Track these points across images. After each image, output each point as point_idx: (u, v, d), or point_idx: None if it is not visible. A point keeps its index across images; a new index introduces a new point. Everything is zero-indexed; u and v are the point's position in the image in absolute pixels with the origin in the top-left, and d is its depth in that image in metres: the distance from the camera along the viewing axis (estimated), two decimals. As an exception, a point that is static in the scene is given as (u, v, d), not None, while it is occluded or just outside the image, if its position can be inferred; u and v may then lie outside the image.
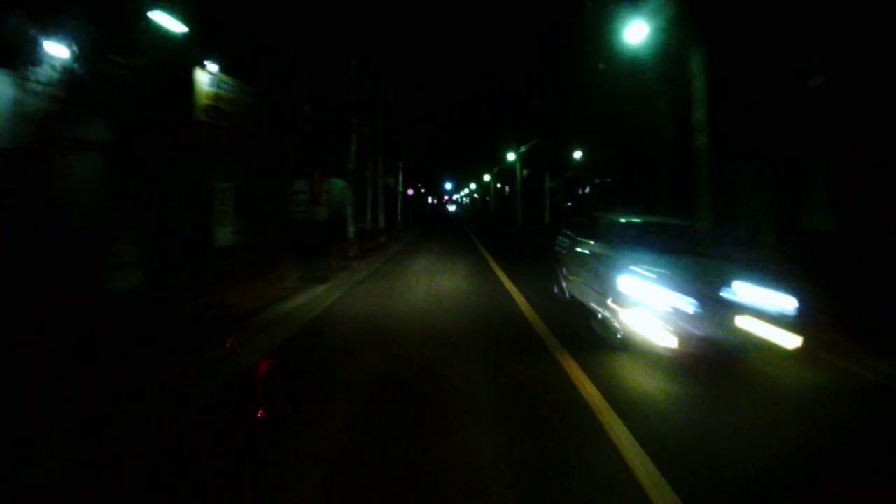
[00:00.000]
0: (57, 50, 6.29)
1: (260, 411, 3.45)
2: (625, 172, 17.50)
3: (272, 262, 9.88)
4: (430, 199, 79.20)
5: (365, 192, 17.67)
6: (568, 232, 7.94)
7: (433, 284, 9.27)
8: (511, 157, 28.98)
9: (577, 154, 22.19)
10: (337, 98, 14.52)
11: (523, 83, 26.91)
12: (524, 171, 42.99)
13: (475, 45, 49.66)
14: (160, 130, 8.60)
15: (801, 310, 4.50)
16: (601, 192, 21.69)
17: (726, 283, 4.55)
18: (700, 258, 5.35)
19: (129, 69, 7.84)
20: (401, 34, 18.55)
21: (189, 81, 10.13)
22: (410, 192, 31.60)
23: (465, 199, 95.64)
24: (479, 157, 51.44)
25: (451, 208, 77.02)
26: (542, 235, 20.46)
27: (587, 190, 31.04)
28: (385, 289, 8.72)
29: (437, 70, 34.06)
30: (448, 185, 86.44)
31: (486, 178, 49.51)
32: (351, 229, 13.85)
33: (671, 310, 4.43)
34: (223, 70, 11.16)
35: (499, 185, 49.65)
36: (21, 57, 5.84)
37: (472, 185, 74.66)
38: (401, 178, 25.94)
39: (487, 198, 63.24)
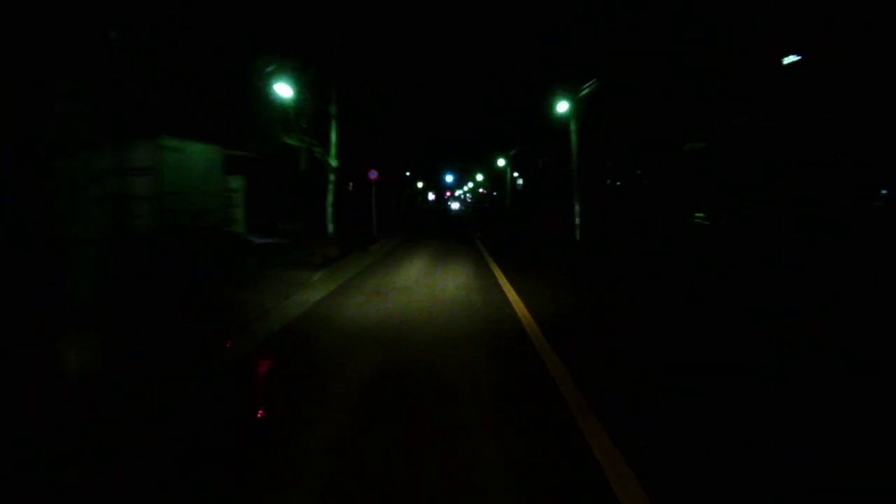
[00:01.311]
0: None
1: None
2: None
3: None
4: (428, 195, 64.92)
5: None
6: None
7: None
8: (563, 107, 14.87)
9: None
10: None
11: None
12: (544, 160, 28.90)
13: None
14: None
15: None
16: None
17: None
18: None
19: None
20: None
21: None
22: (374, 175, 17.53)
23: (467, 194, 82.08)
24: (484, 143, 37.68)
25: (455, 206, 62.33)
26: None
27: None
28: None
29: None
30: (449, 178, 72.21)
31: (501, 162, 35.07)
32: None
33: None
34: None
35: (515, 175, 35.68)
36: None
37: (479, 177, 60.36)
38: (334, 139, 11.64)
39: (495, 193, 48.95)
